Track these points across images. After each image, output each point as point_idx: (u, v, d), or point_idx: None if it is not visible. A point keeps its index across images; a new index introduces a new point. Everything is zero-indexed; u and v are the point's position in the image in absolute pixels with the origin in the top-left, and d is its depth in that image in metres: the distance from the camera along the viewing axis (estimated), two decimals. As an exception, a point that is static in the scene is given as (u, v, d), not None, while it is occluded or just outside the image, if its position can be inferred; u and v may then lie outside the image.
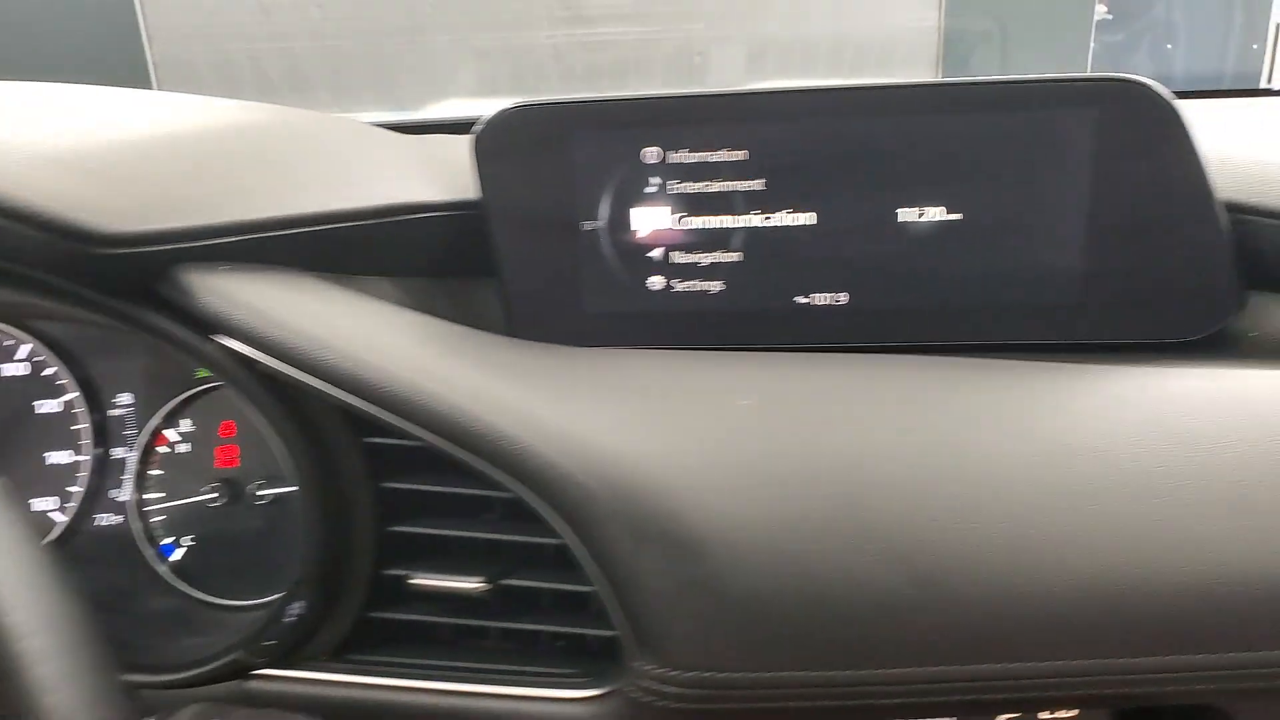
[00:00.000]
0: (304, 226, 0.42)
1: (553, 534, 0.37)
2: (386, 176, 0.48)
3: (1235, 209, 0.43)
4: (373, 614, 0.43)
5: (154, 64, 2.67)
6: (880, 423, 0.37)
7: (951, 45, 2.04)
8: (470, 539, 0.41)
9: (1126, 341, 0.44)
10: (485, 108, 0.48)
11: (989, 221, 0.44)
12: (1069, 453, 0.35)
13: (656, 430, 0.37)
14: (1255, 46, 2.11)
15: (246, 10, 2.56)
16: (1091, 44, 2.07)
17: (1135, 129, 0.41)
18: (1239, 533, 0.33)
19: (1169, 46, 2.24)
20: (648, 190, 0.47)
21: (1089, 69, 2.03)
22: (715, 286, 0.48)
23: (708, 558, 0.34)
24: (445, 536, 0.41)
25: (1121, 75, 0.42)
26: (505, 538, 0.40)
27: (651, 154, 0.47)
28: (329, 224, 0.42)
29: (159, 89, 2.65)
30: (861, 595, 0.34)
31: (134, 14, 2.61)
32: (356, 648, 0.45)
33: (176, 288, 0.40)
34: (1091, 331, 0.45)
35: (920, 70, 2.16)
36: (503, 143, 0.46)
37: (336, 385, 0.38)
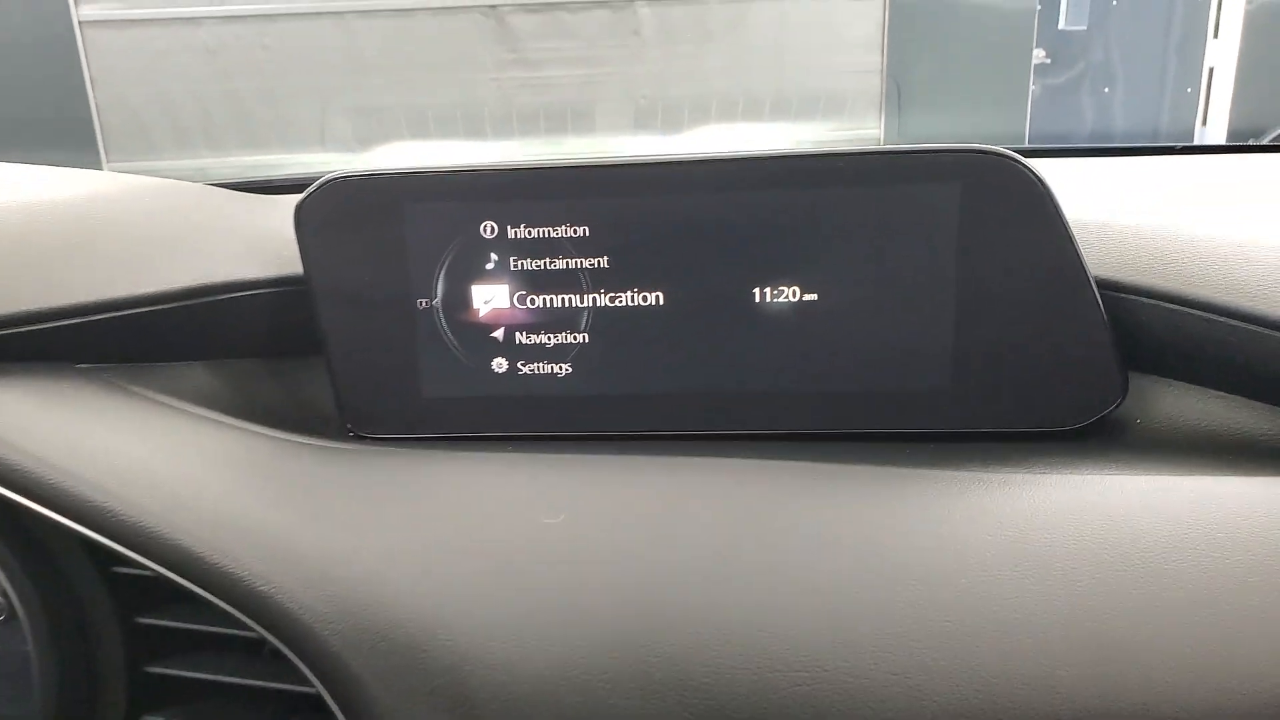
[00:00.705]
0: (67, 319, 0.37)
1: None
2: (206, 251, 0.44)
3: (1113, 288, 0.40)
4: None
5: (96, 106, 2.64)
6: (700, 549, 0.32)
7: (893, 87, 2.05)
8: (237, 683, 0.35)
9: (1004, 431, 0.41)
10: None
11: (848, 302, 0.40)
12: (908, 583, 0.31)
13: (438, 564, 0.32)
14: (1189, 90, 2.14)
15: (192, 52, 2.54)
16: (1031, 86, 2.09)
17: (997, 204, 0.38)
18: (1091, 672, 0.29)
19: (1106, 90, 2.27)
20: (488, 267, 0.43)
21: (1029, 111, 2.04)
22: (563, 369, 0.44)
23: (481, 718, 0.30)
24: (206, 680, 0.36)
25: (979, 146, 0.38)
26: (269, 685, 0.35)
27: (489, 229, 0.43)
28: (104, 314, 0.38)
29: (102, 131, 2.61)
30: None
31: (78, 58, 2.58)
32: None
33: None
34: (964, 420, 0.41)
35: (863, 110, 2.17)
36: (328, 215, 0.42)
37: (61, 510, 0.33)
